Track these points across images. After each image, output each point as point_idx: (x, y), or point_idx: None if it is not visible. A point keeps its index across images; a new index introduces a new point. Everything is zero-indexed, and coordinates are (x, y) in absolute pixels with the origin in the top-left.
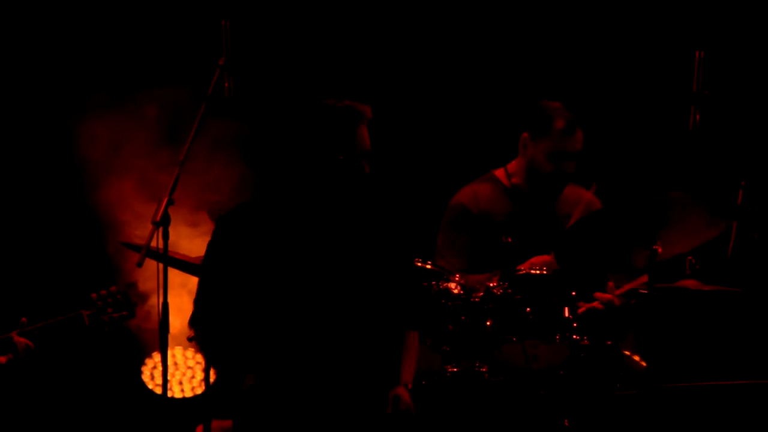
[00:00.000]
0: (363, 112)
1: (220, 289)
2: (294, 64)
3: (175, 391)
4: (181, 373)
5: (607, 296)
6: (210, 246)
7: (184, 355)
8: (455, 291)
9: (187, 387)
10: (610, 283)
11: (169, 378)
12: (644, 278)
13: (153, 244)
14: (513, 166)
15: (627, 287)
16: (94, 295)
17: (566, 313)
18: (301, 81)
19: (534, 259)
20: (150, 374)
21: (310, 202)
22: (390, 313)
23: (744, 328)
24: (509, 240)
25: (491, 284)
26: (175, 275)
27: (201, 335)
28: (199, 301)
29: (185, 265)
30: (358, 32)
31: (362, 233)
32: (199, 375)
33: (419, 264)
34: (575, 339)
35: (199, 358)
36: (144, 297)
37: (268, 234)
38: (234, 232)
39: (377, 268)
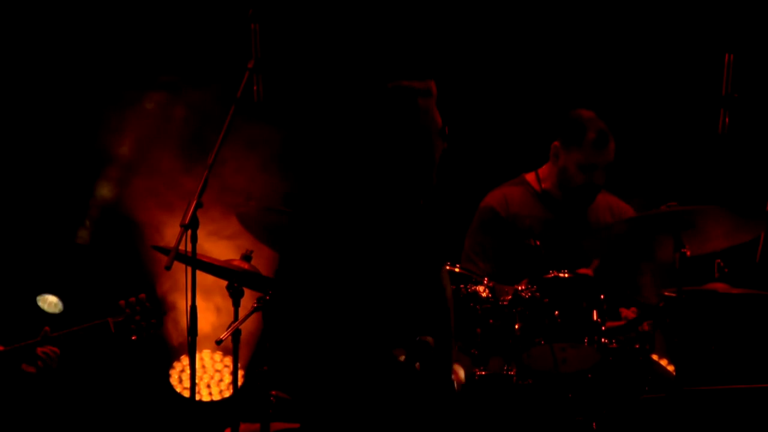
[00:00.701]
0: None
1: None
2: (323, 68)
3: (203, 395)
4: (209, 376)
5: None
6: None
7: (212, 359)
8: (483, 294)
9: (215, 390)
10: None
11: (197, 381)
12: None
13: (181, 247)
14: (544, 170)
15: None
16: (122, 303)
17: (595, 317)
18: (331, 84)
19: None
20: (178, 377)
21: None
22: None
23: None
24: (538, 243)
25: (520, 287)
26: (203, 278)
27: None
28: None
29: (213, 268)
30: (388, 34)
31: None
32: (227, 378)
33: (448, 267)
34: (604, 342)
35: (228, 361)
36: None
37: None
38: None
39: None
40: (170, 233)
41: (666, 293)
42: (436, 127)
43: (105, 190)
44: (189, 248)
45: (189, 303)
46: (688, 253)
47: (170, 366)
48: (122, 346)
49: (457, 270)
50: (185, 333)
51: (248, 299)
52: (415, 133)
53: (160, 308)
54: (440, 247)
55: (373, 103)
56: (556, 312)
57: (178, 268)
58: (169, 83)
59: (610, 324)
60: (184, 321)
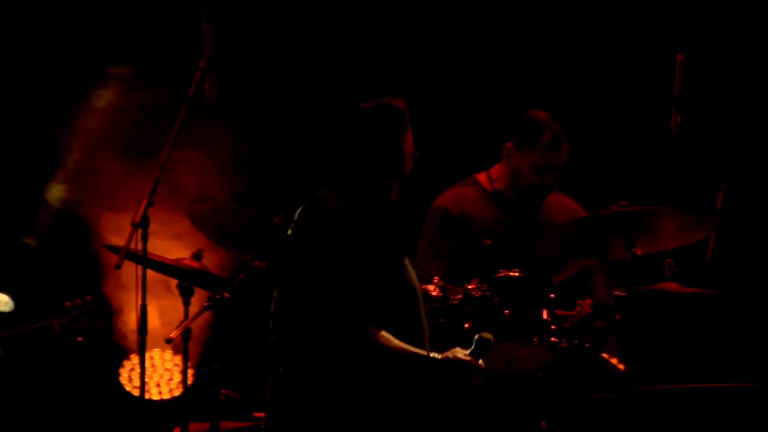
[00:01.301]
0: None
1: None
2: (278, 67)
3: (153, 394)
4: (159, 375)
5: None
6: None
7: (162, 357)
8: (434, 293)
9: (164, 389)
10: (587, 300)
11: (147, 380)
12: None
13: (132, 246)
14: (496, 171)
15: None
16: (68, 304)
17: (545, 316)
18: (287, 84)
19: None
20: (128, 376)
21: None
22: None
23: (723, 331)
24: (489, 243)
25: (470, 286)
26: (153, 277)
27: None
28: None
29: (164, 267)
30: (345, 35)
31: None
32: (177, 377)
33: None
34: (554, 341)
35: (177, 360)
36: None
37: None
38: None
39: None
40: (120, 232)
41: (617, 293)
42: (412, 148)
43: (54, 190)
44: (140, 247)
45: (139, 302)
46: (639, 253)
47: (120, 365)
48: (69, 347)
49: None
50: (135, 332)
51: (199, 298)
52: (400, 150)
53: (107, 310)
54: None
55: (366, 118)
56: (506, 311)
57: (129, 266)
58: (121, 75)
59: (561, 312)
60: (134, 320)
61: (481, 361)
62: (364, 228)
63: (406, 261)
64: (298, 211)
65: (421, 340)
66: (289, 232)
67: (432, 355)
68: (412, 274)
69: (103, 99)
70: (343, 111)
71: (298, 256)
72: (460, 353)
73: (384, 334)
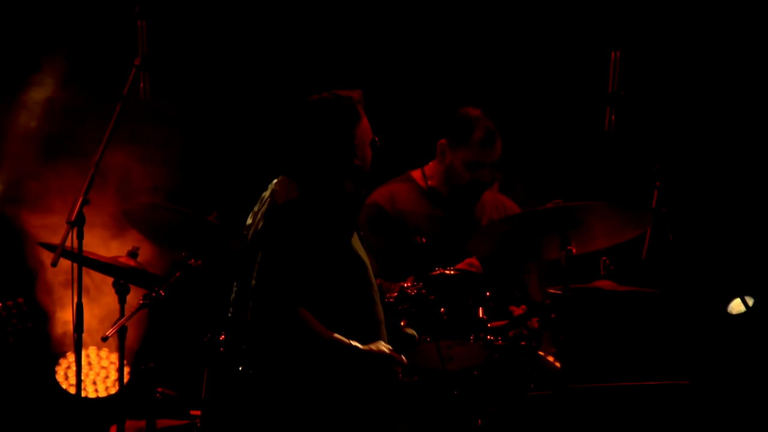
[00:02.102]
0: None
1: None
2: (210, 64)
3: (89, 391)
4: (95, 373)
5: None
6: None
7: (98, 355)
8: None
9: (101, 387)
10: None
11: (83, 378)
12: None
13: (68, 244)
14: (430, 168)
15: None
16: None
17: (481, 314)
18: (220, 81)
19: (470, 260)
20: (64, 374)
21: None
22: None
23: (658, 329)
24: (423, 240)
25: (405, 284)
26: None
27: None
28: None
29: (99, 265)
30: (277, 30)
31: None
32: (113, 375)
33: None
34: (489, 339)
35: (114, 358)
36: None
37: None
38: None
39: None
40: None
41: (552, 291)
42: (369, 136)
43: None
44: (75, 245)
45: (75, 300)
46: (574, 251)
47: (56, 363)
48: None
49: None
50: (71, 330)
51: (135, 296)
52: (351, 141)
53: (38, 311)
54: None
55: (316, 110)
56: (442, 309)
57: (64, 264)
58: (53, 72)
59: (495, 324)
60: (69, 318)
61: (403, 357)
62: (314, 215)
63: (355, 237)
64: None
65: (373, 313)
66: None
67: (354, 344)
68: (360, 250)
69: (34, 95)
70: (292, 102)
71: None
72: (384, 346)
73: (310, 317)
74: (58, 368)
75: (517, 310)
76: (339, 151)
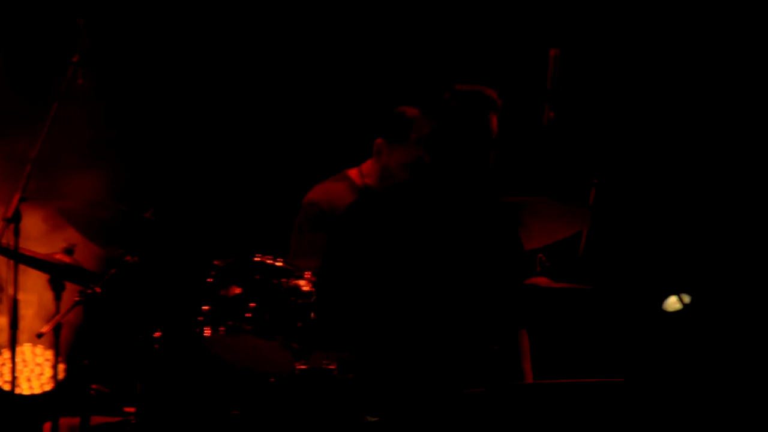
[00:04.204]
0: (493, 99)
1: (347, 273)
2: (147, 59)
3: (24, 388)
4: (30, 369)
5: None
6: (341, 232)
7: (33, 352)
8: (305, 288)
9: (35, 384)
10: None
11: (17, 375)
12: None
13: (4, 240)
14: (367, 166)
15: None
16: None
17: None
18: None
19: None
20: None
21: (444, 194)
22: (503, 312)
23: (594, 327)
24: None
25: None
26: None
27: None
28: (325, 283)
29: (35, 262)
30: (220, 27)
31: (485, 228)
32: (48, 372)
33: (269, 261)
34: None
35: (49, 354)
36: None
37: (397, 223)
38: (364, 220)
39: (494, 265)
40: None
41: None
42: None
43: None
44: (12, 242)
45: (11, 296)
46: None
47: None
48: None
49: (278, 264)
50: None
51: (70, 293)
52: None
53: None
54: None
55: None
56: None
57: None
58: None
59: None
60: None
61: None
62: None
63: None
64: None
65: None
66: None
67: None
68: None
69: None
70: (225, 100)
71: None
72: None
73: None
74: None
75: None
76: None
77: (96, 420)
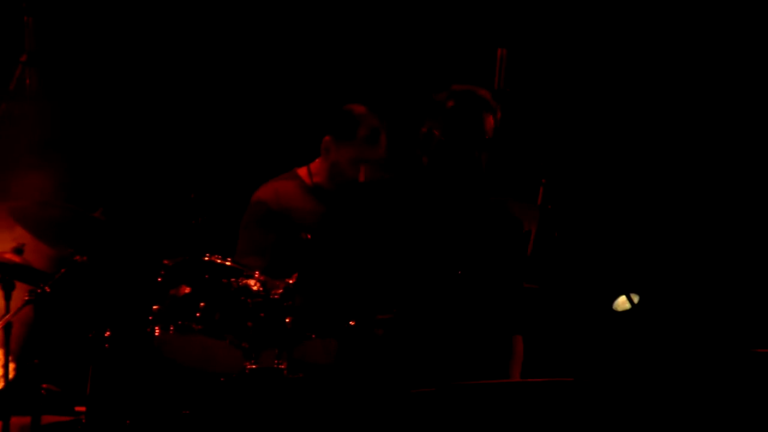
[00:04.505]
0: (486, 99)
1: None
2: (93, 58)
3: None
4: None
5: None
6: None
7: None
8: (255, 288)
9: None
10: None
11: None
12: None
13: None
14: (316, 165)
15: None
16: None
17: None
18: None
19: None
20: None
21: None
22: (498, 315)
23: (543, 326)
24: (309, 237)
25: (291, 281)
26: None
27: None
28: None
29: None
30: (168, 27)
31: (482, 227)
32: None
33: (219, 261)
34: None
35: None
36: None
37: (396, 214)
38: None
39: (493, 264)
40: None
41: None
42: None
43: None
44: None
45: None
46: None
47: None
48: None
49: (228, 264)
50: None
51: (20, 292)
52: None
53: None
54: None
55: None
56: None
57: None
58: None
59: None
60: None
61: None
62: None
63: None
64: None
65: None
66: None
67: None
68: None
69: None
70: (176, 99)
71: None
72: None
73: None
74: None
75: None
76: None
77: (47, 419)
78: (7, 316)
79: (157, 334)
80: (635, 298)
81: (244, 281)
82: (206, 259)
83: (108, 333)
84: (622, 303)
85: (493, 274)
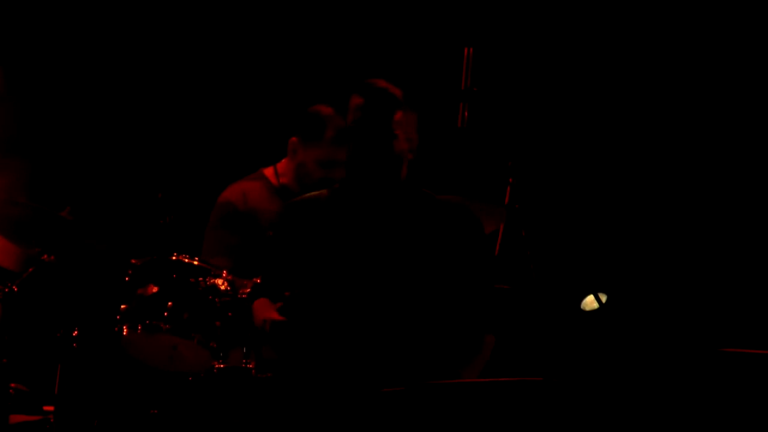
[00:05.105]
0: (396, 96)
1: (283, 270)
2: (65, 60)
3: None
4: None
5: None
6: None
7: None
8: (222, 287)
9: None
10: None
11: None
12: None
13: None
14: (282, 165)
15: None
16: None
17: None
18: (73, 75)
19: None
20: None
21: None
22: (462, 314)
23: (512, 326)
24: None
25: (258, 280)
26: None
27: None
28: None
29: None
30: (137, 24)
31: (422, 230)
32: None
33: (187, 260)
34: None
35: None
36: None
37: (330, 224)
38: (299, 219)
39: (439, 266)
40: None
41: None
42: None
43: None
44: None
45: None
46: None
47: None
48: None
49: (195, 263)
50: None
51: None
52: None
53: None
54: None
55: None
56: None
57: None
58: None
59: None
60: None
61: None
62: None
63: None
64: None
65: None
66: None
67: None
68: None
69: None
70: (145, 95)
71: None
72: None
73: None
74: None
75: None
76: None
77: (15, 419)
78: None
79: (125, 333)
80: (603, 298)
81: (212, 281)
82: (174, 258)
83: (76, 332)
84: (590, 302)
85: (429, 271)
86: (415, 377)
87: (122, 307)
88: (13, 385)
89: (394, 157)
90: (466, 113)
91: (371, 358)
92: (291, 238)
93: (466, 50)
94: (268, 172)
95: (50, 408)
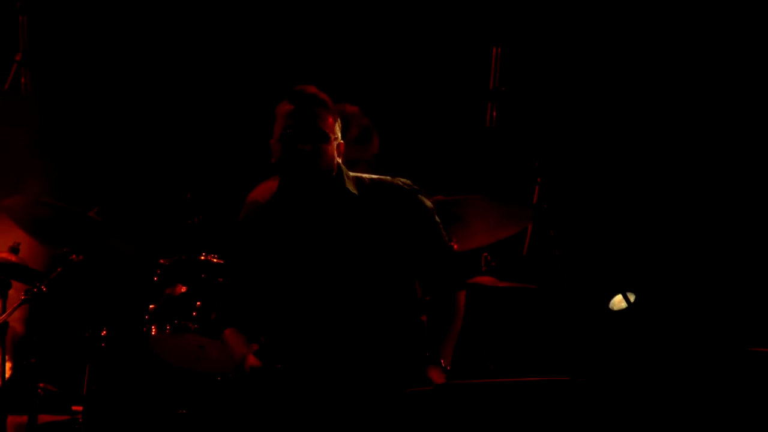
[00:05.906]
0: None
1: (241, 272)
2: (95, 61)
3: None
4: None
5: None
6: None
7: None
8: None
9: None
10: None
11: None
12: None
13: None
14: None
15: None
16: None
17: None
18: (102, 77)
19: None
20: None
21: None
22: (427, 282)
23: (539, 325)
24: None
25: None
26: None
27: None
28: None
29: None
30: (164, 26)
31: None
32: None
33: (215, 260)
34: None
35: None
36: None
37: (276, 222)
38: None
39: (387, 247)
40: None
41: None
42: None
43: None
44: None
45: None
46: (456, 247)
47: None
48: None
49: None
50: None
51: (16, 291)
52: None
53: None
54: None
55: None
56: None
57: None
58: None
59: None
60: None
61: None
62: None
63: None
64: None
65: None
66: None
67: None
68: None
69: None
70: (171, 97)
71: None
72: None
73: None
74: None
75: None
76: None
77: (43, 419)
78: (3, 316)
79: (153, 333)
80: (631, 297)
81: None
82: (202, 258)
83: (104, 332)
84: (618, 302)
85: (376, 255)
86: (393, 361)
87: (150, 307)
88: (41, 385)
89: (326, 161)
90: (494, 113)
91: (347, 349)
92: (242, 233)
93: (494, 50)
94: None
95: (79, 408)
